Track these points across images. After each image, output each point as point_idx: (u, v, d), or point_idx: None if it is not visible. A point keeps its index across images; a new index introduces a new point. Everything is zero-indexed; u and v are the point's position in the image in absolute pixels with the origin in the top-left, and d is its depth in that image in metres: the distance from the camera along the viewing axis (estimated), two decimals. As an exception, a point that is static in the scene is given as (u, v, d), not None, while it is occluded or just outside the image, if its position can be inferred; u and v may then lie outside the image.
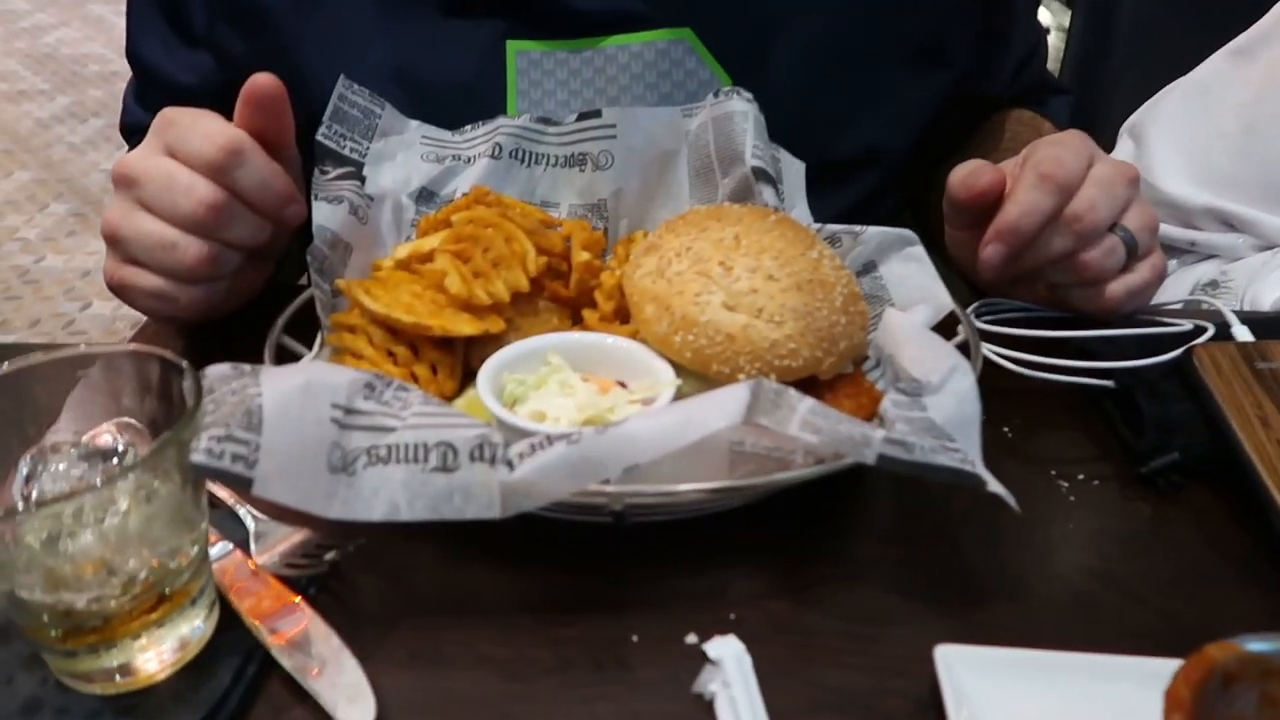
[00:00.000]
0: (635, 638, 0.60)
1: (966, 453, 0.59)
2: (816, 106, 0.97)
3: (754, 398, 0.59)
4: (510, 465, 0.58)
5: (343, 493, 0.57)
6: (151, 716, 0.54)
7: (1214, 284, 1.06)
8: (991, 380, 0.80)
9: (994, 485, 0.58)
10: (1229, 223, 1.09)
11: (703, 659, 0.58)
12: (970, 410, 0.63)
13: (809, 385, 0.69)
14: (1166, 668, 0.46)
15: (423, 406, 0.60)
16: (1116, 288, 0.83)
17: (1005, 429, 0.79)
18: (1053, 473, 0.74)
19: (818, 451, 0.59)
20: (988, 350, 0.81)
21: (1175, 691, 0.46)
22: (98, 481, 0.53)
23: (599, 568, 0.65)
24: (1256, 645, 0.48)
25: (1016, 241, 0.80)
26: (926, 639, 0.58)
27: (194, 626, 0.58)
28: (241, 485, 0.53)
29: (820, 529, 0.68)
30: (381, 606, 0.62)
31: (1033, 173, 0.79)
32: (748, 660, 0.58)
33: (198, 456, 0.52)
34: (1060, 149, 0.81)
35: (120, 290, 0.80)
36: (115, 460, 0.58)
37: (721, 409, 0.58)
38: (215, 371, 0.61)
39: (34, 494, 0.55)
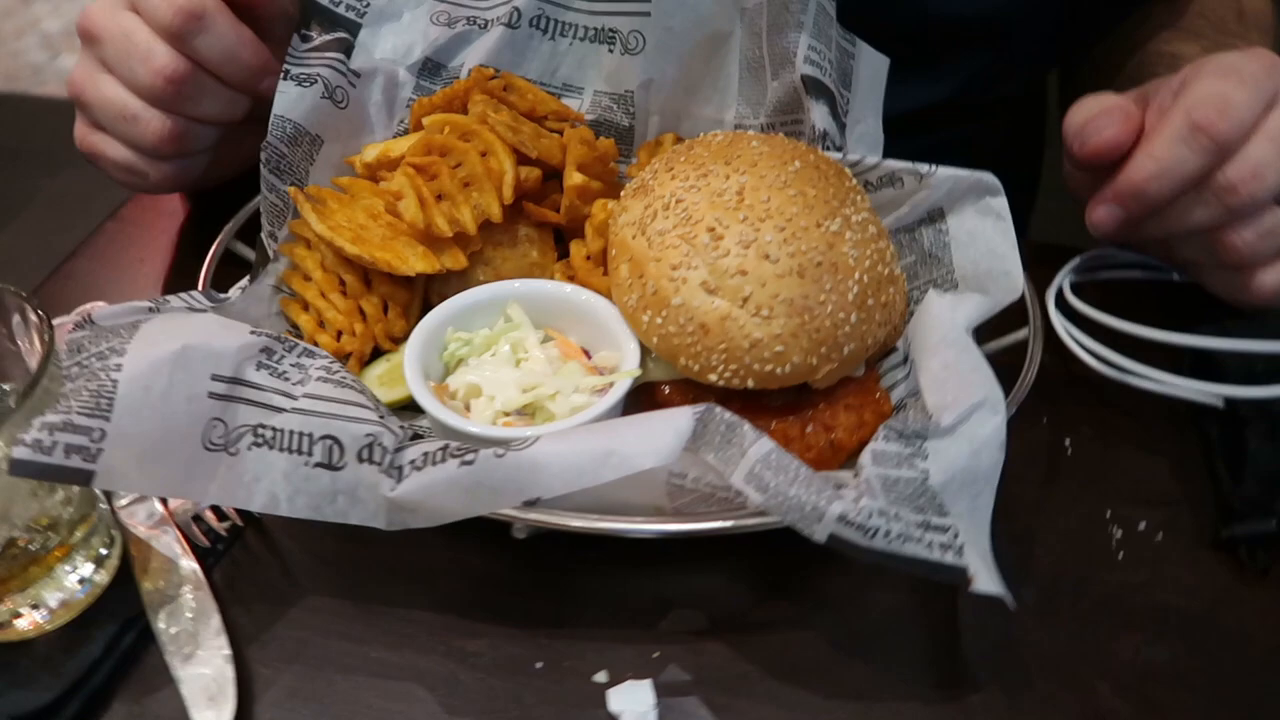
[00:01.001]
0: (539, 664, 0.53)
1: (956, 533, 0.46)
2: None
3: (699, 427, 0.48)
4: (399, 474, 0.49)
5: (223, 474, 0.51)
6: (17, 679, 0.51)
7: None
8: (1065, 373, 0.65)
9: (985, 584, 0.46)
10: None
11: (604, 708, 0.51)
12: (986, 464, 0.49)
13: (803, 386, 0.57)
14: None
15: (320, 385, 0.52)
16: (1269, 278, 0.64)
17: (1067, 441, 0.64)
18: (1108, 514, 0.60)
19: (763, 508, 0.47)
20: (1069, 336, 0.65)
21: None
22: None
23: (518, 573, 0.57)
24: None
25: (1139, 208, 0.62)
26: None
27: (81, 580, 0.54)
28: (79, 480, 0.47)
29: (787, 558, 0.57)
30: (283, 586, 0.57)
31: (1183, 117, 0.59)
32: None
33: (21, 453, 0.45)
34: (1231, 82, 0.59)
35: (91, 158, 0.74)
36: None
37: (652, 444, 0.47)
38: (106, 315, 0.54)
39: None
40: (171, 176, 0.72)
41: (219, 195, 0.75)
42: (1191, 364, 0.64)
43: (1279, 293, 0.64)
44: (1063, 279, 0.70)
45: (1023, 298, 0.61)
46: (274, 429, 0.51)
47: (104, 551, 0.56)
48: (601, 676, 0.52)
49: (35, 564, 0.52)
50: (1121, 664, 0.53)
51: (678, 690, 0.52)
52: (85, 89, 0.69)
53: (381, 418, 0.51)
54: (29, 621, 0.53)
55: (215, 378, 0.51)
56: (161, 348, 0.50)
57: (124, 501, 0.59)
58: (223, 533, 0.58)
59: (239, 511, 0.59)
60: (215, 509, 0.59)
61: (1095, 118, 0.61)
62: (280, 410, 0.51)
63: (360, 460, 0.50)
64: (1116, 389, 0.64)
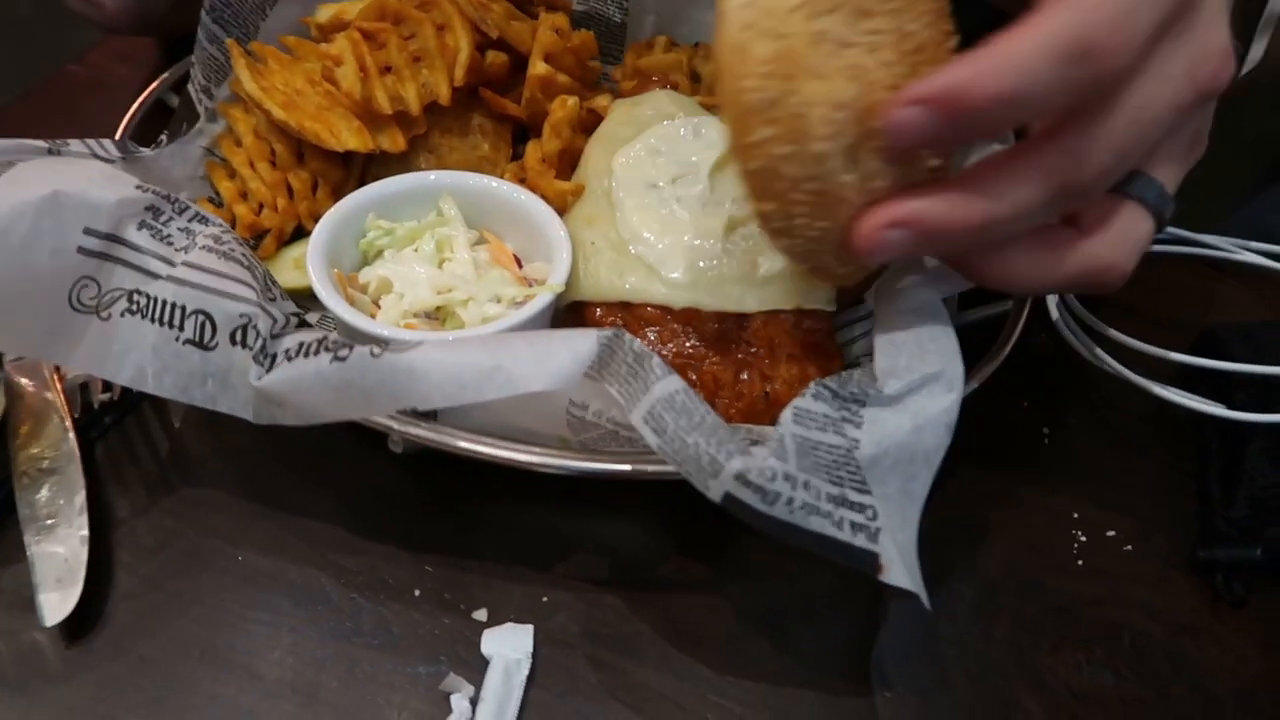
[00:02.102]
0: (418, 592, 0.49)
1: (874, 512, 0.40)
2: None
3: (604, 353, 0.42)
4: (271, 362, 0.44)
5: (91, 339, 0.46)
6: None
7: None
8: (1058, 356, 0.58)
9: (895, 575, 0.40)
10: None
11: (475, 650, 0.46)
12: (931, 443, 0.43)
13: (750, 321, 0.50)
14: None
15: (203, 254, 0.47)
16: (995, 270, 0.44)
17: (1045, 430, 0.57)
18: (1075, 515, 0.54)
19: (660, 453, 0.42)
20: (1065, 320, 0.58)
21: None
22: None
23: (414, 494, 0.52)
24: None
25: (961, 129, 0.39)
26: (768, 713, 0.44)
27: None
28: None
29: (704, 511, 0.51)
30: (159, 475, 0.53)
31: (1063, 26, 0.37)
32: (523, 671, 0.46)
33: None
34: None
35: None
36: None
37: (545, 365, 0.41)
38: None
39: None
40: (126, 11, 0.67)
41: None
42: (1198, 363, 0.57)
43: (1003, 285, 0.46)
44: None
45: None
46: (148, 296, 0.46)
47: (-20, 404, 0.52)
48: (481, 614, 0.48)
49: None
50: (1058, 682, 0.47)
51: (561, 641, 0.47)
52: None
53: (270, 299, 0.46)
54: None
55: (89, 231, 0.46)
56: (29, 191, 0.44)
57: (10, 358, 0.55)
58: (110, 403, 0.54)
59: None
60: (105, 380, 0.55)
61: None
62: (156, 277, 0.46)
63: (233, 342, 0.45)
64: (1110, 382, 0.57)
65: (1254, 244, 0.65)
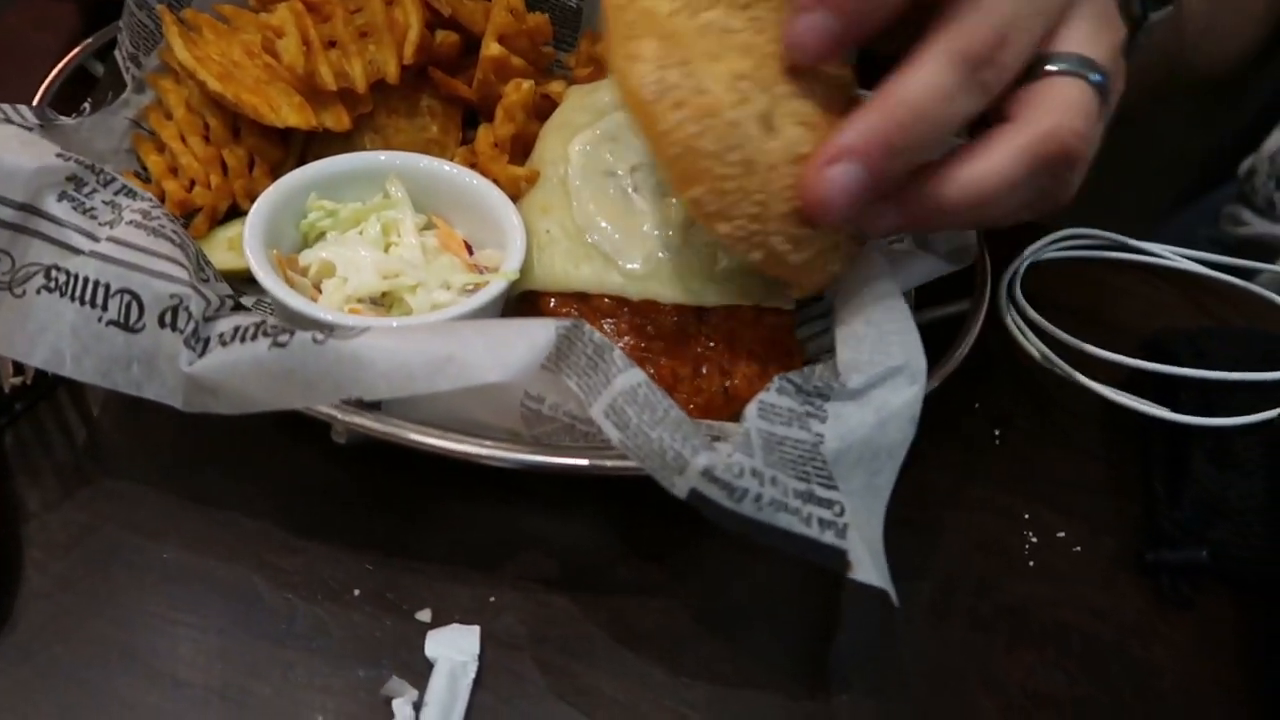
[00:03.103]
0: (357, 591, 0.46)
1: (841, 508, 0.39)
2: None
3: (563, 344, 0.40)
4: (204, 347, 0.41)
5: (3, 316, 0.43)
6: None
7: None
8: (1005, 359, 0.58)
9: (864, 571, 0.39)
10: None
11: (418, 653, 0.44)
12: (892, 438, 0.42)
13: (709, 315, 0.49)
14: None
15: (130, 230, 0.43)
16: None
17: (996, 432, 0.58)
18: (1025, 516, 0.54)
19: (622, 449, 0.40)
20: (1015, 323, 0.58)
21: None
22: None
23: (354, 488, 0.50)
24: None
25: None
26: (717, 716, 0.43)
27: None
28: None
29: (656, 511, 0.50)
30: (75, 465, 0.49)
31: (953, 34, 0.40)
32: (469, 674, 0.43)
33: None
34: None
35: None
36: None
37: (500, 356, 0.39)
38: None
39: None
40: None
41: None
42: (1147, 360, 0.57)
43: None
44: (1021, 261, 0.63)
45: (973, 266, 0.54)
46: (68, 273, 0.42)
47: None
48: (425, 615, 0.45)
49: None
50: (1012, 683, 0.47)
51: (509, 643, 0.45)
52: None
53: (203, 280, 0.43)
54: None
55: (2, 201, 0.42)
56: (-65, 153, 0.41)
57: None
58: (21, 388, 0.50)
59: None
60: (16, 362, 0.51)
61: None
62: (78, 252, 0.43)
63: (161, 325, 0.42)
64: (1060, 384, 0.58)
65: (1191, 252, 0.66)
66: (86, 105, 0.56)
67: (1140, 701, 0.47)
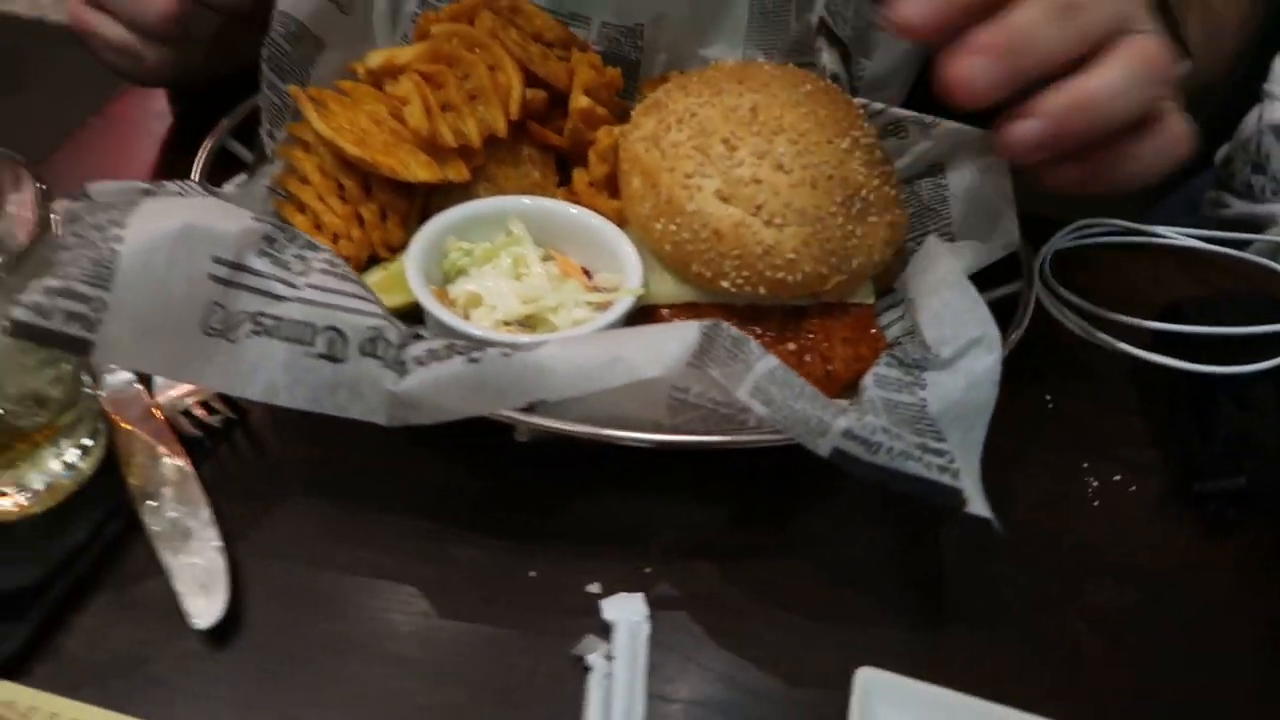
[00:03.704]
0: (533, 573, 0.53)
1: (953, 457, 0.47)
2: None
3: (706, 342, 0.48)
4: (403, 369, 0.49)
5: (221, 360, 0.50)
6: (-1, 560, 0.50)
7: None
8: (1047, 336, 0.67)
9: (976, 505, 0.47)
10: None
11: (596, 616, 0.51)
12: (981, 397, 0.51)
13: (804, 313, 0.57)
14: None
15: (323, 276, 0.51)
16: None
17: (1047, 396, 0.66)
18: (1085, 465, 0.62)
19: (767, 423, 0.48)
20: (1051, 303, 0.67)
21: None
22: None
23: (510, 482, 0.57)
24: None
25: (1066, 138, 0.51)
26: (863, 650, 0.50)
27: (66, 466, 0.53)
28: (77, 349, 0.46)
29: (780, 488, 0.58)
30: (274, 483, 0.56)
31: (1133, 51, 0.50)
32: (645, 630, 0.51)
33: (21, 314, 0.44)
34: None
35: (84, 36, 0.71)
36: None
37: (659, 353, 0.47)
38: (103, 191, 0.52)
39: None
40: (166, 64, 0.70)
41: (204, 104, 0.73)
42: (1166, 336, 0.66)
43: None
44: (1049, 249, 0.72)
45: (1015, 253, 0.63)
46: (275, 317, 0.50)
47: (89, 441, 0.54)
48: (594, 587, 0.53)
49: (21, 441, 0.50)
50: (1094, 606, 0.55)
51: (668, 605, 0.52)
52: None
53: (385, 314, 0.51)
54: (13, 502, 0.51)
55: (217, 260, 0.49)
56: (163, 224, 0.48)
57: (109, 392, 0.57)
58: (214, 426, 0.57)
59: (227, 405, 0.58)
60: (203, 404, 0.58)
61: None
62: (282, 299, 0.50)
63: (363, 354, 0.49)
64: (1095, 352, 0.66)
65: (1192, 230, 0.75)
66: (242, 177, 0.64)
67: (1199, 613, 0.55)
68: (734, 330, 0.48)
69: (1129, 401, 0.66)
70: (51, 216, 0.47)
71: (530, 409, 0.51)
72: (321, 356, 0.49)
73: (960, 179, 0.65)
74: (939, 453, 0.47)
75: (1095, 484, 0.61)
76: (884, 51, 0.70)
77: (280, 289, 0.50)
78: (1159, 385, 0.66)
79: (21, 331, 0.44)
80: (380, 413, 0.49)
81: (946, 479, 0.46)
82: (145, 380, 0.59)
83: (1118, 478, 0.61)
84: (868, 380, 0.49)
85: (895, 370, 0.50)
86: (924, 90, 0.65)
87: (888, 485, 0.46)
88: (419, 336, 0.52)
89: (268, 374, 0.50)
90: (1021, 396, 0.66)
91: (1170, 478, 0.61)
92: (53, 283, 0.45)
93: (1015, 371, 0.65)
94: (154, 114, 0.80)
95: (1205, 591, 0.56)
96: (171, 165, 0.74)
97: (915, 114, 0.65)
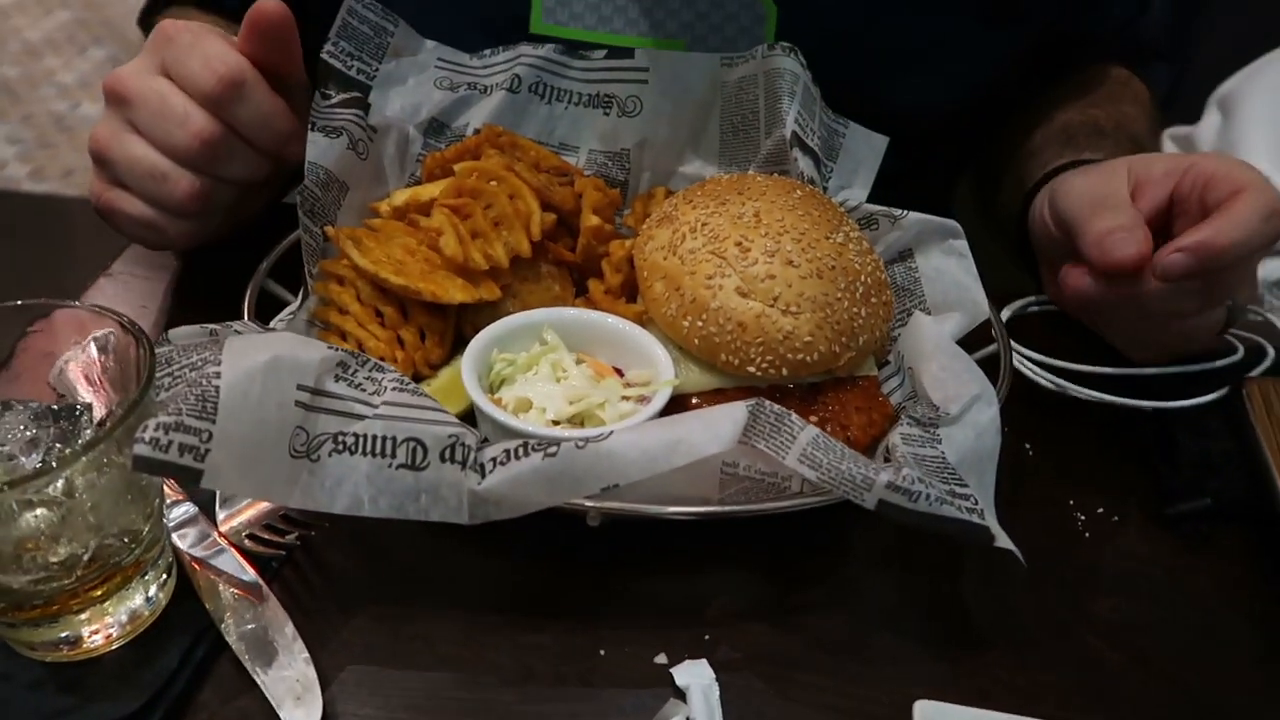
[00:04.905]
0: (603, 652, 0.58)
1: (976, 500, 0.54)
2: (865, 48, 0.86)
3: (752, 419, 0.54)
4: (482, 472, 0.54)
5: (304, 480, 0.54)
6: (95, 693, 0.52)
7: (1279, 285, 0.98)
8: (1017, 390, 0.75)
9: (1003, 540, 0.54)
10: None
11: (670, 683, 0.56)
12: (988, 445, 0.58)
13: (819, 389, 0.64)
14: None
15: (396, 394, 0.56)
16: (1169, 350, 0.76)
17: (1027, 445, 0.74)
18: (1071, 502, 0.69)
19: (815, 485, 0.54)
20: (1020, 362, 0.75)
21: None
22: (39, 460, 0.50)
23: (574, 568, 0.62)
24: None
25: (1207, 265, 0.66)
26: (910, 684, 0.55)
27: (147, 598, 0.56)
28: (189, 478, 0.50)
29: (812, 548, 0.64)
30: (343, 593, 0.60)
31: (1263, 200, 0.66)
32: (715, 691, 0.55)
33: (141, 449, 0.48)
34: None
35: (107, 214, 0.75)
36: (68, 422, 0.54)
37: (715, 432, 0.53)
38: (180, 335, 0.57)
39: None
40: (188, 234, 0.75)
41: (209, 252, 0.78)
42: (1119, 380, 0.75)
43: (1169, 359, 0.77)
44: (1007, 313, 0.81)
45: (987, 320, 0.71)
46: (355, 435, 0.54)
47: (164, 573, 0.57)
48: (661, 658, 0.57)
49: (112, 578, 0.53)
50: (1104, 621, 0.61)
51: (732, 667, 0.57)
52: (111, 147, 0.72)
53: (459, 423, 0.56)
54: (102, 637, 0.54)
55: (300, 387, 0.54)
56: (253, 358, 0.53)
57: (174, 523, 0.60)
58: (279, 546, 0.60)
59: (289, 525, 0.61)
60: (266, 527, 0.61)
61: (1113, 231, 0.68)
62: (361, 418, 0.55)
63: (443, 460, 0.54)
64: (1061, 403, 0.75)
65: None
66: (287, 313, 0.69)
67: (1195, 617, 0.62)
68: (776, 407, 0.55)
69: (1099, 441, 0.74)
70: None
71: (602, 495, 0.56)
72: (403, 466, 0.54)
73: (928, 261, 0.74)
74: (965, 497, 0.54)
75: (1082, 518, 0.68)
76: (845, 155, 0.80)
77: (359, 409, 0.55)
78: (1123, 424, 0.74)
79: (141, 466, 0.48)
80: (462, 512, 0.54)
81: (976, 519, 0.53)
82: (206, 511, 0.62)
83: (1100, 510, 0.69)
84: (895, 439, 0.56)
85: (915, 429, 0.57)
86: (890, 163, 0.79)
87: (928, 529, 0.52)
88: (486, 441, 0.57)
89: (351, 488, 0.54)
90: (1005, 448, 0.73)
91: (1146, 504, 0.69)
92: (166, 419, 0.49)
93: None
94: (159, 267, 0.85)
95: (1195, 597, 0.63)
96: (192, 307, 0.78)
97: (884, 208, 0.74)
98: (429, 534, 0.62)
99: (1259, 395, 0.72)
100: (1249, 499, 0.67)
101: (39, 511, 0.49)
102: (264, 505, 0.62)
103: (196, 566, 0.58)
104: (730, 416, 0.54)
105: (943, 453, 0.56)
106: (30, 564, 0.49)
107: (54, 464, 0.48)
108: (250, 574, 0.58)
